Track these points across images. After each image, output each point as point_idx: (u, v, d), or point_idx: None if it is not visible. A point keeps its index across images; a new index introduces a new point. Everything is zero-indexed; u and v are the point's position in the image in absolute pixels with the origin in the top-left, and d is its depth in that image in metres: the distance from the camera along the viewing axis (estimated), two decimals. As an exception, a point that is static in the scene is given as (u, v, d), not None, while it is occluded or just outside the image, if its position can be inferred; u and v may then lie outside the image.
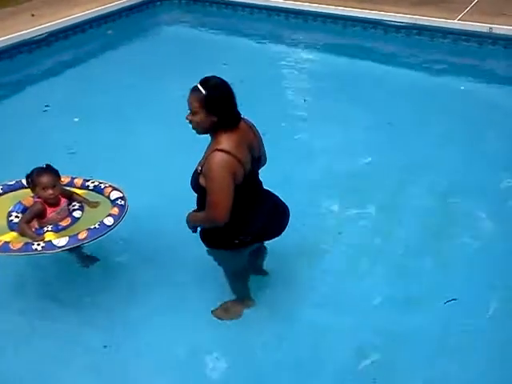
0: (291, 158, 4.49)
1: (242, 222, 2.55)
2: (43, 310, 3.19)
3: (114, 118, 5.19)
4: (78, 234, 2.79)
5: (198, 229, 2.71)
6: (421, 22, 7.14)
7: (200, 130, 2.44)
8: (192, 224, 2.68)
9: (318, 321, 3.10)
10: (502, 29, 6.75)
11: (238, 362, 2.88)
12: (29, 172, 2.98)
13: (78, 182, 3.29)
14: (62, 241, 2.75)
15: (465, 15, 7.21)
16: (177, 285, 3.32)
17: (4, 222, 2.96)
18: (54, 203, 2.99)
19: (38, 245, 2.73)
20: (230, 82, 2.45)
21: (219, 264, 2.94)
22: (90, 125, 5.05)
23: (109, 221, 2.85)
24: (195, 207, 2.66)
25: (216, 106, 2.35)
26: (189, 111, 2.40)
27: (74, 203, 3.11)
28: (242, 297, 3.13)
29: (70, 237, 2.78)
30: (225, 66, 6.04)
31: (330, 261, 3.53)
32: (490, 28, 6.79)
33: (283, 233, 2.84)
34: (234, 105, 2.44)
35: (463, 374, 2.79)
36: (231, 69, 5.94)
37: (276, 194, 2.84)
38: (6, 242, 2.76)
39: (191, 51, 6.85)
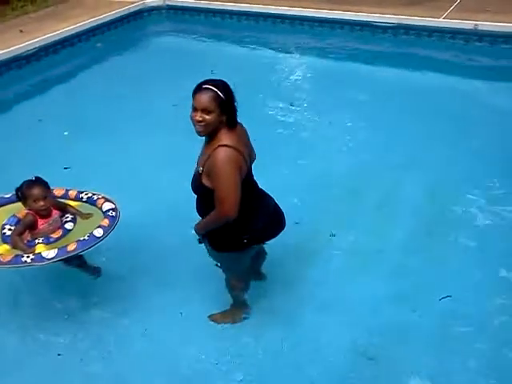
0: (281, 163, 4.53)
1: (247, 219, 2.57)
2: (38, 321, 3.20)
3: (105, 129, 5.21)
4: (67, 245, 2.82)
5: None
6: (407, 22, 7.21)
7: (208, 129, 2.44)
8: (202, 231, 2.67)
9: (317, 322, 3.12)
10: (486, 25, 6.83)
11: (239, 367, 2.89)
12: (18, 185, 3.01)
13: (73, 193, 3.32)
14: (51, 253, 2.77)
15: (450, 13, 7.28)
16: (172, 292, 3.33)
17: None
18: (46, 215, 3.02)
19: (28, 257, 2.76)
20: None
21: (226, 269, 2.94)
22: (81, 137, 5.06)
23: (98, 232, 2.88)
24: (194, 212, 2.67)
25: (228, 106, 2.44)
26: (197, 112, 2.40)
27: (67, 215, 3.13)
28: (240, 303, 3.14)
29: (59, 249, 2.81)
30: (213, 74, 6.05)
31: (325, 262, 3.55)
32: (476, 25, 6.86)
33: (279, 235, 2.85)
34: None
35: (461, 369, 2.81)
36: (220, 76, 5.96)
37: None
38: None
39: (180, 60, 6.90)
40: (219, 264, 2.92)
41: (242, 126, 2.62)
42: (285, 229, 2.85)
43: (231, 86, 2.49)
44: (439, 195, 4.14)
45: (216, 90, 2.40)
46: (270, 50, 7.33)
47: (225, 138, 2.44)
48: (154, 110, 5.56)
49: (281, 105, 5.76)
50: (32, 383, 2.88)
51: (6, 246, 2.91)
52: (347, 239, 3.75)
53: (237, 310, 3.15)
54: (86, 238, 2.84)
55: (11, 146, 5.00)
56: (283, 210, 2.87)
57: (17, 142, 5.13)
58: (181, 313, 3.19)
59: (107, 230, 2.91)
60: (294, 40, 7.56)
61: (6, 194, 3.27)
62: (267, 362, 2.91)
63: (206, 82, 2.44)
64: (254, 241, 2.73)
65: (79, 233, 2.95)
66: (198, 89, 2.43)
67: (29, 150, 4.92)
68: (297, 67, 6.87)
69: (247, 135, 2.66)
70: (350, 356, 2.92)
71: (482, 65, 6.60)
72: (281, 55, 7.20)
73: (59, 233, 3.01)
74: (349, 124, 5.22)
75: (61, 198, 3.26)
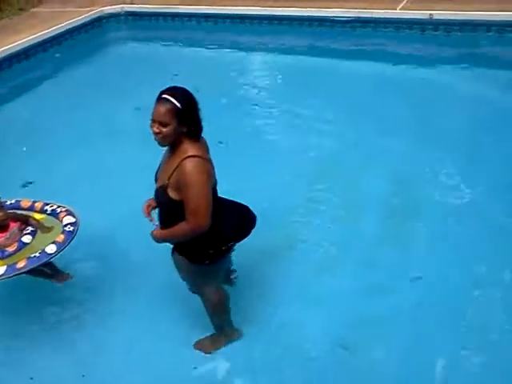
0: (247, 162, 4.54)
1: (218, 227, 2.48)
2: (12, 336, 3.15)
3: (67, 141, 5.13)
4: (17, 262, 2.79)
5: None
6: (364, 15, 7.30)
7: (167, 140, 2.37)
8: (164, 240, 2.58)
9: (290, 319, 3.14)
10: (441, 14, 6.98)
11: (214, 362, 2.90)
12: None
13: (38, 205, 3.28)
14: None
15: (406, 4, 7.41)
16: (142, 304, 3.28)
17: None
18: (3, 227, 2.98)
19: None
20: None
21: (202, 284, 2.79)
22: (42, 151, 4.97)
23: (51, 249, 2.86)
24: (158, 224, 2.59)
25: (188, 117, 2.34)
26: (155, 123, 2.32)
27: (27, 228, 3.08)
28: (225, 328, 2.98)
29: (8, 266, 2.78)
30: (177, 77, 6.04)
31: (295, 257, 3.57)
32: (431, 15, 7.01)
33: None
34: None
35: (436, 354, 2.85)
36: (183, 79, 5.93)
37: (237, 198, 2.81)
38: None
39: (142, 66, 6.85)
40: (193, 283, 2.81)
41: (204, 139, 2.53)
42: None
43: (193, 94, 2.38)
44: (404, 183, 4.21)
45: (174, 100, 2.29)
46: (231, 51, 7.37)
47: (190, 148, 2.35)
48: (116, 118, 5.50)
49: (245, 105, 5.77)
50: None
51: None
52: (316, 233, 3.78)
53: (221, 337, 3.00)
54: (37, 254, 2.83)
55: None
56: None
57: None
58: (148, 327, 3.13)
59: (60, 247, 2.88)
60: (255, 39, 7.58)
61: None
62: (242, 359, 2.91)
63: (166, 90, 2.35)
64: (231, 244, 2.66)
65: (36, 247, 2.92)
66: (157, 98, 2.34)
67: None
68: (260, 66, 6.92)
69: (207, 147, 2.55)
70: (326, 348, 2.94)
71: (439, 53, 6.73)
72: (243, 55, 7.23)
73: (14, 246, 2.96)
74: (312, 119, 5.25)
75: (27, 209, 3.24)
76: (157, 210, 2.62)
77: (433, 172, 4.30)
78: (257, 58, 7.12)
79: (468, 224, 3.73)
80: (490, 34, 6.79)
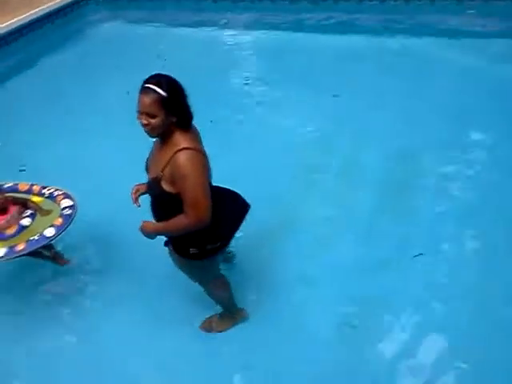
0: (239, 141, 4.57)
1: (216, 221, 2.37)
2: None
3: (56, 128, 5.12)
4: (16, 245, 2.88)
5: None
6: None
7: (156, 132, 2.27)
8: (157, 234, 2.47)
9: (295, 296, 3.16)
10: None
11: (224, 341, 2.95)
12: None
13: (36, 188, 3.35)
14: None
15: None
16: (145, 294, 3.30)
17: None
18: (2, 211, 3.06)
19: None
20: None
21: (198, 279, 2.79)
22: (38, 139, 4.96)
23: (49, 232, 2.93)
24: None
25: (176, 106, 2.23)
26: (142, 114, 2.22)
27: (26, 211, 3.16)
28: (231, 310, 3.00)
29: (8, 248, 2.87)
30: (161, 60, 6.02)
31: (292, 238, 3.57)
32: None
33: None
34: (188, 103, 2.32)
35: (442, 330, 2.90)
36: (168, 58, 5.98)
37: (229, 178, 2.71)
38: None
39: (124, 48, 6.81)
40: (191, 277, 2.78)
41: (195, 127, 2.42)
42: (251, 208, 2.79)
43: (179, 82, 2.26)
44: (401, 156, 4.24)
45: (159, 89, 2.17)
46: (214, 28, 7.31)
47: (182, 140, 2.25)
48: (105, 101, 5.48)
49: (233, 81, 5.77)
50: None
51: None
52: (316, 210, 3.77)
53: (226, 317, 3.02)
54: (36, 237, 2.90)
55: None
56: (244, 191, 2.77)
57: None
58: (152, 315, 3.14)
59: (59, 230, 2.95)
60: (236, 16, 7.55)
61: None
62: (246, 342, 2.94)
63: (150, 79, 2.22)
64: (229, 237, 2.62)
65: (35, 230, 3.00)
66: (142, 88, 2.21)
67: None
68: (239, 43, 6.85)
69: (199, 136, 2.44)
70: (331, 326, 2.97)
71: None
72: (225, 32, 7.18)
73: (14, 229, 3.04)
74: (304, 95, 5.27)
75: (25, 192, 3.31)
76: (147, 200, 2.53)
77: (431, 144, 4.34)
78: (241, 35, 7.03)
79: (470, 200, 3.75)
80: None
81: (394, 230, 3.56)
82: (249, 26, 7.28)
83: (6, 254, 2.86)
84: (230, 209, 2.60)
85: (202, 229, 2.33)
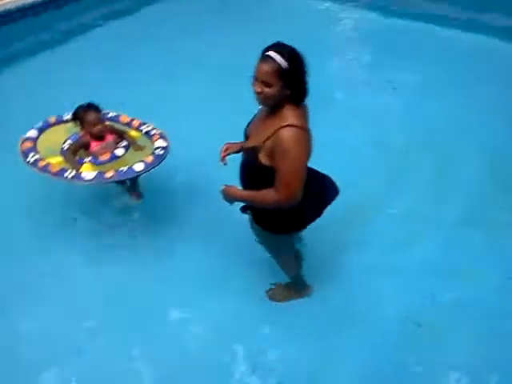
0: (332, 125, 4.31)
1: (301, 204, 2.34)
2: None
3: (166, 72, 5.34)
4: (106, 171, 3.00)
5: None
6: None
7: (269, 102, 2.23)
8: (238, 200, 2.49)
9: (364, 284, 3.15)
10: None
11: (287, 331, 2.92)
12: (74, 110, 3.25)
13: (136, 123, 3.48)
14: (89, 175, 2.98)
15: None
16: (211, 247, 3.38)
17: (58, 147, 3.28)
18: (100, 138, 3.22)
19: (70, 173, 2.99)
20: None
21: (273, 250, 2.83)
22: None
23: (139, 167, 3.02)
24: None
25: (294, 80, 2.19)
26: (258, 81, 2.18)
27: (122, 142, 3.32)
28: (299, 281, 3.03)
29: (98, 173, 3.00)
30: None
31: (376, 228, 3.52)
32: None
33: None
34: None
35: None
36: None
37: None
38: (48, 164, 3.05)
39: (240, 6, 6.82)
40: (268, 250, 2.82)
41: (305, 104, 2.36)
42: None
43: (301, 55, 2.20)
44: (497, 162, 4.03)
45: (280, 59, 2.12)
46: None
47: (291, 116, 2.20)
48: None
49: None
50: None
51: (60, 158, 3.17)
52: (403, 204, 3.69)
53: (298, 289, 3.05)
54: (125, 169, 3.01)
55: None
56: (335, 174, 2.71)
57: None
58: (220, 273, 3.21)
59: (147, 167, 3.04)
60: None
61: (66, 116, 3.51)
62: (308, 319, 2.95)
63: (272, 47, 2.18)
64: (312, 220, 2.60)
65: (126, 161, 3.12)
66: (262, 55, 2.18)
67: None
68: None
69: (308, 115, 2.38)
70: (398, 320, 2.93)
71: None
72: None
73: (107, 156, 3.19)
74: (411, 90, 5.10)
75: (125, 125, 3.45)
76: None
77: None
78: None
79: None
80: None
81: (484, 244, 3.36)
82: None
83: (95, 178, 2.99)
84: (319, 192, 2.55)
85: (287, 208, 2.32)
